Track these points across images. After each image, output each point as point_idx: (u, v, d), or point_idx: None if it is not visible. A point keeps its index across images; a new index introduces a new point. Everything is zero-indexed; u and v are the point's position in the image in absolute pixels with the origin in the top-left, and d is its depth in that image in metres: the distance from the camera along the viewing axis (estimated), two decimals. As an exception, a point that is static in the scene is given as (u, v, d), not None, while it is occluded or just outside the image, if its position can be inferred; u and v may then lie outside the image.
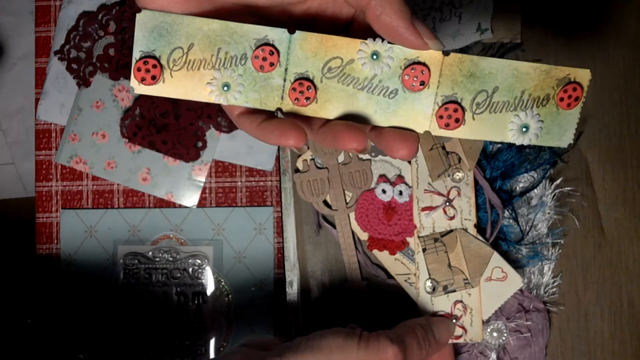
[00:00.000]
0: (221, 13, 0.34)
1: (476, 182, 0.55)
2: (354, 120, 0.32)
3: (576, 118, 0.32)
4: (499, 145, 0.55)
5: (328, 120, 0.33)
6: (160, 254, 0.61)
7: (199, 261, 0.61)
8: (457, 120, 0.32)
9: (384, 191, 0.55)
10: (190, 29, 0.32)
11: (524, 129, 0.32)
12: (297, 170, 0.56)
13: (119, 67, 0.62)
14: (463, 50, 0.57)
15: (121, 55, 0.61)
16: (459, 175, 0.50)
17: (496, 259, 0.53)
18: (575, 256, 0.57)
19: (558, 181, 0.56)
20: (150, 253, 0.61)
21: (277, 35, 0.32)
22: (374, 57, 0.32)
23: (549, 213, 0.56)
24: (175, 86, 0.32)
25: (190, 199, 0.62)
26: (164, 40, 0.32)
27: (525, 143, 0.32)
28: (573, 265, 0.57)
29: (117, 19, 0.62)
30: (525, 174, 0.56)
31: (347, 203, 0.56)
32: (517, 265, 0.56)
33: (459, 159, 0.50)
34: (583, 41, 0.57)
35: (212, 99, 0.32)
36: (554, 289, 0.56)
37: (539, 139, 0.32)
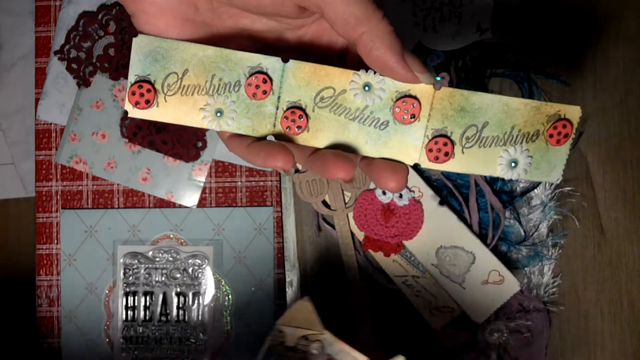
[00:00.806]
0: (217, 38, 0.34)
1: (477, 185, 0.55)
2: (345, 150, 0.32)
3: (565, 154, 0.33)
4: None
5: (318, 148, 0.33)
6: (160, 254, 0.61)
7: (199, 261, 0.61)
8: (446, 154, 0.32)
9: (384, 192, 0.55)
10: (186, 54, 0.32)
11: (513, 164, 0.32)
12: (296, 171, 0.56)
13: (119, 67, 0.62)
14: (463, 50, 0.57)
15: (121, 55, 0.61)
16: None
17: (493, 262, 0.53)
18: (575, 256, 0.57)
19: (558, 181, 0.56)
20: (150, 253, 0.61)
21: (270, 63, 0.32)
22: (366, 88, 0.32)
23: (549, 213, 0.56)
24: (168, 111, 0.33)
25: (190, 199, 0.62)
26: (159, 65, 0.32)
27: (514, 178, 0.33)
28: (573, 265, 0.57)
29: (117, 19, 0.62)
30: (525, 174, 0.56)
31: (345, 203, 0.56)
32: (517, 265, 0.56)
33: None
34: (583, 41, 0.57)
35: (205, 124, 0.33)
36: (554, 289, 0.56)
37: (527, 174, 0.33)
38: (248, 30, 0.34)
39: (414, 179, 0.55)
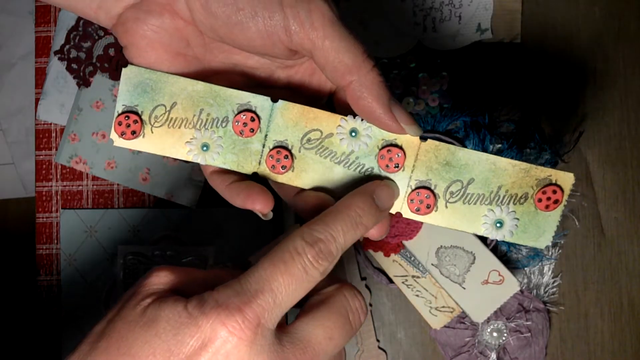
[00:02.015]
0: (209, 72, 0.34)
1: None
2: (328, 193, 0.33)
3: (556, 221, 0.32)
4: (499, 146, 0.55)
5: (303, 189, 0.33)
6: (160, 254, 0.61)
7: (199, 261, 0.61)
8: (428, 206, 0.32)
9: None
10: (175, 88, 0.32)
11: (499, 224, 0.32)
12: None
13: (119, 67, 0.62)
14: (463, 51, 0.57)
15: (121, 55, 0.61)
16: None
17: (493, 262, 0.53)
18: (575, 256, 0.57)
19: (558, 181, 0.56)
20: (150, 253, 0.61)
21: (259, 102, 0.32)
22: (353, 134, 0.32)
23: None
24: (154, 142, 0.33)
25: (190, 199, 0.62)
26: (148, 97, 0.32)
27: (499, 239, 0.32)
28: (573, 265, 0.57)
29: (117, 19, 0.62)
30: (525, 174, 0.56)
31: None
32: (517, 265, 0.56)
33: None
34: (583, 41, 0.57)
35: (190, 157, 0.33)
36: (554, 289, 0.56)
37: (513, 237, 0.32)
38: (240, 66, 0.34)
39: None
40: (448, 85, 0.56)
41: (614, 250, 0.57)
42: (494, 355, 0.55)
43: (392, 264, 0.56)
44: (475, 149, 0.34)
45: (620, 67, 0.57)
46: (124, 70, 0.32)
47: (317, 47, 0.30)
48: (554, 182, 0.32)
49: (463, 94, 0.57)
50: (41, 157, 0.63)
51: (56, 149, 0.63)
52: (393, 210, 0.33)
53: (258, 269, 0.28)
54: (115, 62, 0.62)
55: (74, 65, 0.62)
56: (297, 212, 0.33)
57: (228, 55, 0.34)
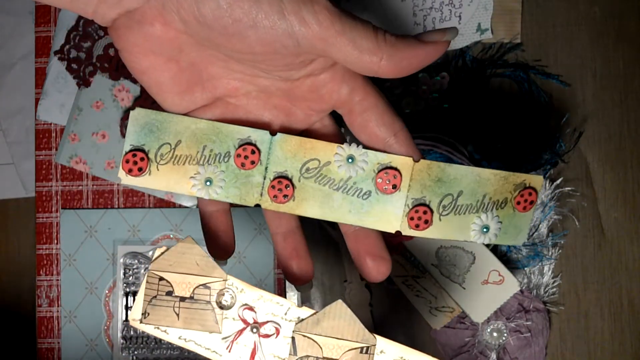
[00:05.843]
0: (203, 81, 0.35)
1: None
2: (329, 219, 0.34)
3: (530, 219, 0.35)
4: (499, 145, 0.55)
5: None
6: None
7: (199, 261, 0.61)
8: (426, 222, 0.34)
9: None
10: (179, 127, 0.34)
11: (485, 230, 0.34)
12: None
13: (119, 67, 0.62)
14: (463, 51, 0.57)
15: (121, 55, 0.61)
16: None
17: (493, 261, 0.53)
18: (575, 256, 0.57)
19: (558, 181, 0.56)
20: (150, 253, 0.61)
21: (259, 136, 0.34)
22: (350, 160, 0.34)
23: (549, 213, 0.56)
24: (160, 179, 0.34)
25: (190, 199, 0.62)
26: (154, 136, 0.34)
27: (485, 242, 0.34)
28: (573, 265, 0.57)
29: (117, 19, 0.62)
30: (525, 174, 0.56)
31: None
32: (517, 265, 0.56)
33: None
34: (583, 41, 0.57)
35: (194, 192, 0.34)
36: (554, 289, 0.56)
37: (497, 239, 0.34)
38: (237, 72, 0.34)
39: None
40: (448, 85, 0.56)
41: (614, 250, 0.57)
42: (494, 355, 0.55)
43: (392, 264, 0.56)
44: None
45: (620, 67, 0.57)
46: (131, 112, 0.34)
47: (332, 44, 0.30)
48: (528, 185, 0.34)
49: (462, 95, 0.57)
50: (41, 157, 0.63)
51: (56, 149, 0.63)
52: (392, 230, 0.34)
53: None
54: (115, 62, 0.62)
55: (74, 65, 0.62)
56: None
57: (225, 64, 0.34)
